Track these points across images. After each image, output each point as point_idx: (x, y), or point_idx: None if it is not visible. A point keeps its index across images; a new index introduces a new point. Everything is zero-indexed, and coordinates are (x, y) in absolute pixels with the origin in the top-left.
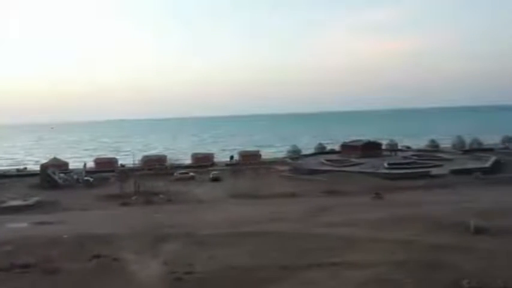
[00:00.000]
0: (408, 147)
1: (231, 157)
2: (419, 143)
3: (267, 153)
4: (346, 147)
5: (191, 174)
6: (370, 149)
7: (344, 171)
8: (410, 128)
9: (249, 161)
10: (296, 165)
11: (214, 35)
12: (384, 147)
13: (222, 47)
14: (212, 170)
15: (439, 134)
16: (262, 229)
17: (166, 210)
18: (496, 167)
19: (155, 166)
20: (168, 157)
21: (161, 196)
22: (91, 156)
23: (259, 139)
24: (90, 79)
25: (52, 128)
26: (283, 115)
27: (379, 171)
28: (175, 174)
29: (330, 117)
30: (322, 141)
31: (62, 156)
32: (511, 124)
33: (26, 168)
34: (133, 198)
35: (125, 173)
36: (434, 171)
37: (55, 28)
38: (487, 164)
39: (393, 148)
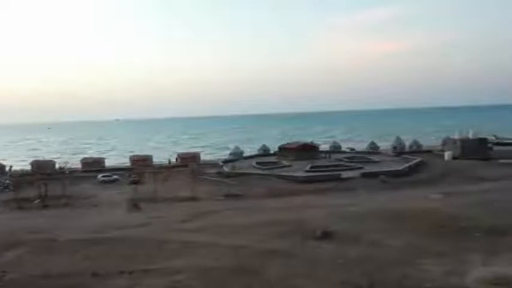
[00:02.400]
0: (352, 149)
1: (170, 160)
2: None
3: (217, 156)
4: (283, 150)
5: (114, 177)
6: (306, 151)
7: (258, 174)
8: (401, 128)
9: (186, 163)
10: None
11: (214, 35)
12: (328, 148)
13: (222, 47)
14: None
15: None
16: (122, 234)
17: (55, 215)
18: (415, 170)
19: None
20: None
21: (62, 200)
22: (37, 157)
23: (228, 140)
24: (90, 79)
25: (49, 128)
26: (282, 115)
27: (296, 174)
28: (98, 177)
29: (328, 117)
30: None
31: (18, 159)
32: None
33: None
34: (36, 202)
35: (21, 176)
36: (345, 174)
37: (55, 28)
38: (400, 167)
39: (334, 150)
